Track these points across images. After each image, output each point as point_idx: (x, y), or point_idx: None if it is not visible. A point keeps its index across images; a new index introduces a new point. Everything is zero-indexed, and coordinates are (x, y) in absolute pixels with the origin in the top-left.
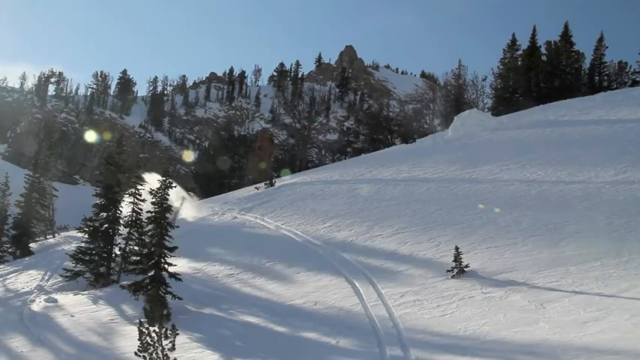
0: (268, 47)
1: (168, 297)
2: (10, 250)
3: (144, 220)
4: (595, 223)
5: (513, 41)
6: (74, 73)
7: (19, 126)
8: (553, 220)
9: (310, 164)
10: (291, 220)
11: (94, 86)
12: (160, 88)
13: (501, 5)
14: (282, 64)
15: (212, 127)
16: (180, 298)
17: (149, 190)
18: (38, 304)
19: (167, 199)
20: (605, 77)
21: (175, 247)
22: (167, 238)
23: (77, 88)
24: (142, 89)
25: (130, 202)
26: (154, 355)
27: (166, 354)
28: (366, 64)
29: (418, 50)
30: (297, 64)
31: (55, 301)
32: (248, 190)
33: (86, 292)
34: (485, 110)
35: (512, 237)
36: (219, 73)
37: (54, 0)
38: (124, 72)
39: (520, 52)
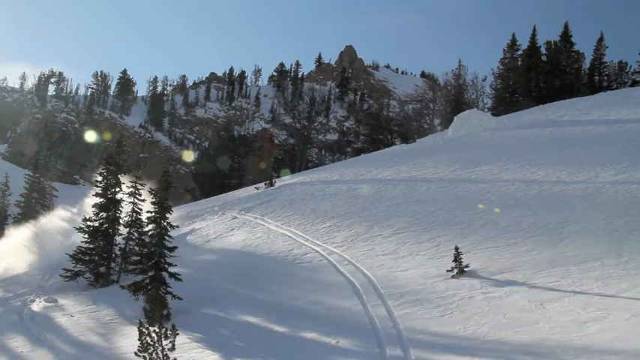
0: (268, 47)
1: (168, 297)
2: None
3: (144, 220)
4: (595, 223)
5: (513, 41)
6: (74, 73)
7: (19, 126)
8: (553, 220)
9: (310, 164)
10: (290, 220)
11: (94, 86)
12: (159, 88)
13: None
14: (282, 64)
15: (212, 127)
16: (180, 298)
17: (149, 190)
18: (38, 305)
19: (167, 199)
20: (605, 77)
21: (175, 247)
22: (167, 238)
23: (77, 88)
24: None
25: (130, 202)
26: (153, 355)
27: (166, 354)
28: (366, 64)
29: (418, 50)
30: (297, 64)
31: (55, 301)
32: (248, 190)
33: (86, 292)
34: (486, 110)
35: (512, 237)
36: (219, 73)
37: (54, 0)
38: (124, 72)
39: (520, 52)
